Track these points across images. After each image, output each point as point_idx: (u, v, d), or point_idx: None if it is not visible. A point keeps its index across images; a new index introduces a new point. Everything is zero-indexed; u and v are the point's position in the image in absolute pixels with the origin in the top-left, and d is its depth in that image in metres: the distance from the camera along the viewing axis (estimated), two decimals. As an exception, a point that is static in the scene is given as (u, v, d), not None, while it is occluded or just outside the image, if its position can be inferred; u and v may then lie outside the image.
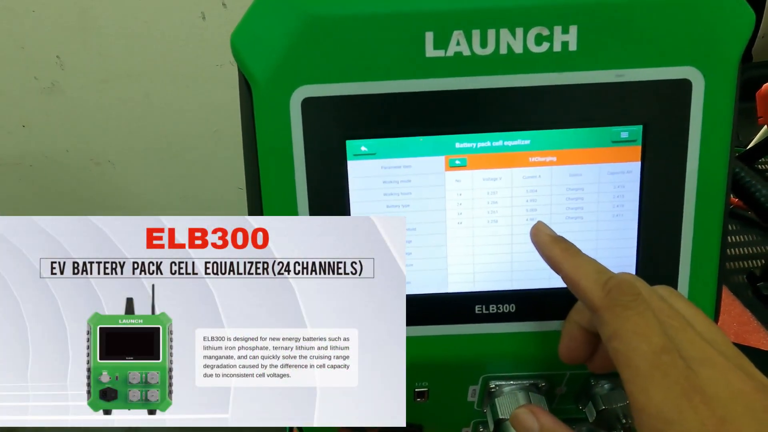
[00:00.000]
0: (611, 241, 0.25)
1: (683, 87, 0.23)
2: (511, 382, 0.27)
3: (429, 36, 0.22)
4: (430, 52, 0.23)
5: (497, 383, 0.27)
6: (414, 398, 0.28)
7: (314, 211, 0.24)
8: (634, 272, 0.25)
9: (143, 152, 0.86)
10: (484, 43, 0.22)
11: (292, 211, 0.24)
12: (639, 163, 0.24)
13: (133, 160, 0.86)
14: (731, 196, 0.60)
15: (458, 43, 0.23)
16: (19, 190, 0.90)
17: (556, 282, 0.25)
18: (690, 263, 0.24)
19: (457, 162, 0.24)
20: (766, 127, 0.65)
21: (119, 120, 0.82)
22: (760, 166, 0.68)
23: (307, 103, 0.23)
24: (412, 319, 0.25)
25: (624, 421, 0.25)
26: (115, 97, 0.79)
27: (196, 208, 0.92)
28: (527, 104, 0.23)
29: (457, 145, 0.24)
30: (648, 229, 0.24)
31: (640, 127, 0.23)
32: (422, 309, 0.25)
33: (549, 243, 0.22)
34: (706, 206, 0.24)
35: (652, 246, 0.24)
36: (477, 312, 0.25)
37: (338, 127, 0.23)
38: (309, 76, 0.23)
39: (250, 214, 0.26)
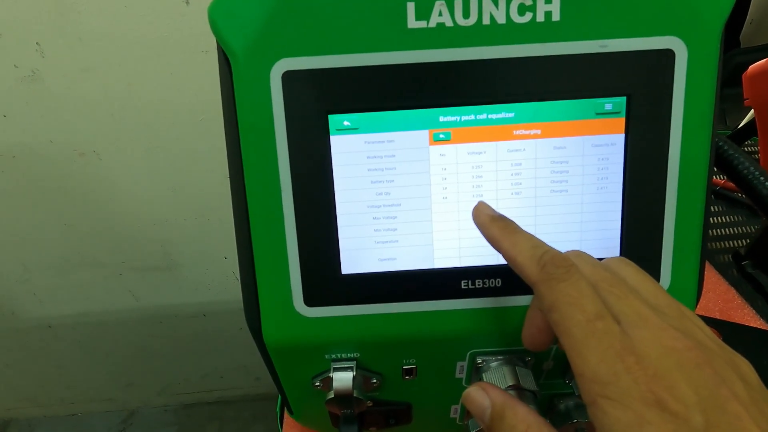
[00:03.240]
0: (596, 213, 0.25)
1: (666, 57, 0.23)
2: (498, 357, 0.27)
3: (411, 6, 0.22)
4: (412, 23, 0.22)
5: (484, 358, 0.27)
6: (402, 376, 0.28)
7: (297, 188, 0.24)
8: (618, 245, 0.25)
9: (129, 142, 0.84)
10: (466, 14, 0.22)
11: (275, 188, 0.24)
12: (623, 135, 0.24)
13: (118, 150, 0.85)
14: (719, 177, 0.60)
15: (440, 14, 0.22)
16: (2, 182, 0.88)
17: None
18: (674, 234, 0.24)
19: (441, 136, 0.24)
20: (753, 109, 0.65)
21: (103, 109, 0.80)
22: (746, 148, 0.68)
23: (288, 77, 0.23)
24: (398, 296, 0.25)
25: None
26: (98, 86, 0.77)
27: (184, 199, 0.91)
28: (511, 76, 0.23)
29: (441, 118, 0.24)
30: (632, 202, 0.24)
31: (624, 98, 0.23)
32: (409, 285, 0.25)
33: (488, 223, 0.22)
34: (689, 178, 0.24)
35: (637, 218, 0.25)
36: (463, 287, 0.25)
37: (320, 102, 0.23)
38: (289, 49, 0.22)
39: (233, 193, 0.25)
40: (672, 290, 0.25)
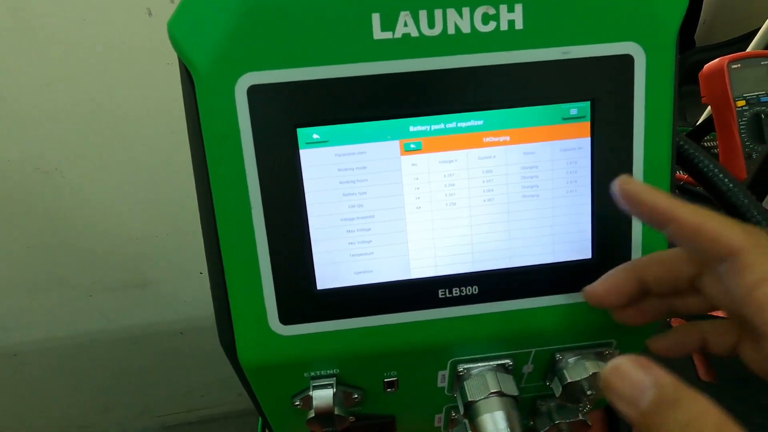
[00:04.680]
0: (567, 216, 0.25)
1: (626, 62, 0.23)
2: (479, 364, 0.27)
3: (376, 18, 0.22)
4: (378, 34, 0.22)
5: (465, 366, 0.27)
6: (384, 389, 0.28)
7: (268, 203, 0.23)
8: (590, 246, 0.25)
9: (94, 158, 0.81)
10: (431, 24, 0.22)
11: (245, 204, 0.23)
12: (589, 139, 0.24)
13: (83, 167, 0.82)
14: (681, 172, 0.62)
15: (406, 24, 0.22)
16: (-41, 205, 0.83)
17: (517, 261, 0.25)
18: (641, 233, 0.25)
19: (412, 146, 0.24)
20: (710, 106, 0.68)
21: (65, 125, 0.77)
22: (705, 144, 0.71)
23: (254, 91, 0.22)
24: (376, 308, 0.25)
25: (589, 392, 0.26)
26: (60, 102, 0.74)
27: (153, 215, 0.89)
28: (478, 84, 0.23)
29: (411, 128, 0.24)
30: (601, 203, 0.25)
31: (588, 103, 0.24)
32: (386, 297, 0.25)
33: (647, 190, 0.19)
34: (653, 176, 0.25)
35: (606, 219, 0.25)
36: (441, 296, 0.25)
37: (288, 115, 0.23)
38: (254, 63, 0.22)
39: (201, 211, 0.24)
40: (643, 288, 0.25)
